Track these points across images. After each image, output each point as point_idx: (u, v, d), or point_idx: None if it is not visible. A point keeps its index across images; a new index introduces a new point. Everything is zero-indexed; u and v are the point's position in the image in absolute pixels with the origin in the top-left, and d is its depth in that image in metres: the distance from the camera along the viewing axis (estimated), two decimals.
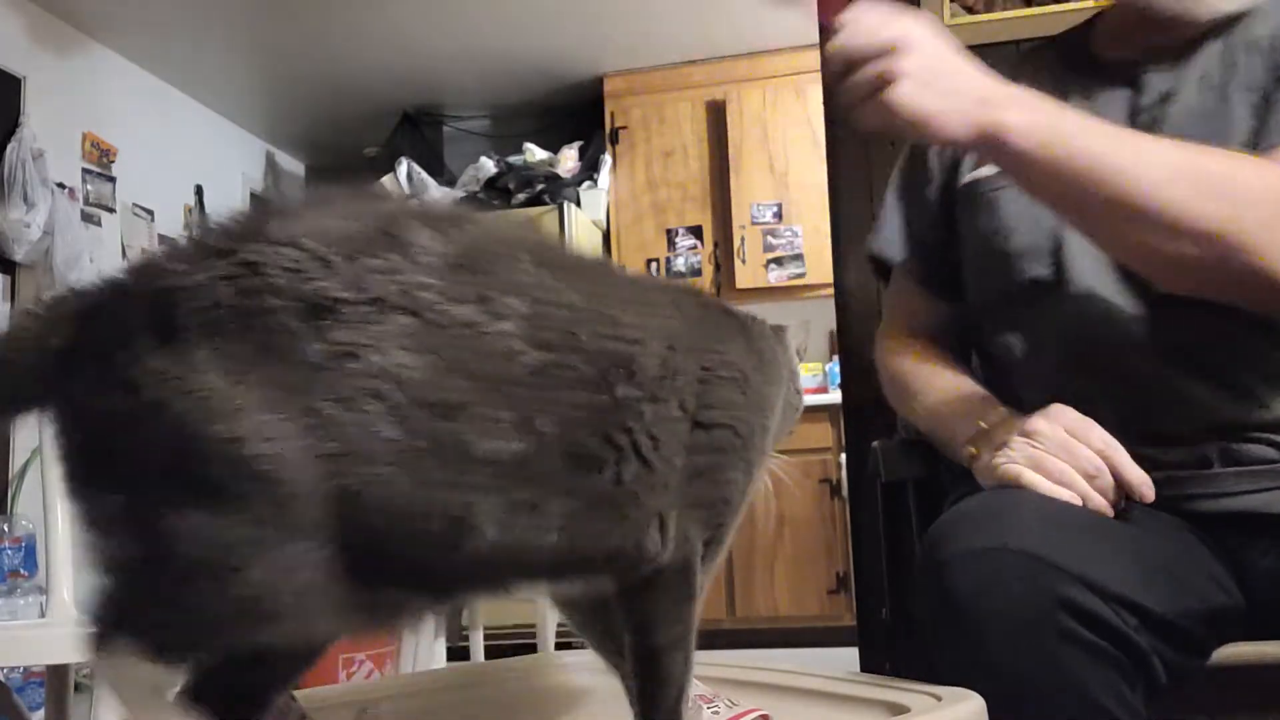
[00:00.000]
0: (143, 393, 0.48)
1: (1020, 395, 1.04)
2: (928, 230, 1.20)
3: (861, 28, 0.87)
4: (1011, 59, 1.18)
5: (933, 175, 1.19)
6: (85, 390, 0.50)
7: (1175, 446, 0.96)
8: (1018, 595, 0.77)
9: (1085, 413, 0.93)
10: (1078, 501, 0.87)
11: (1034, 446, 0.91)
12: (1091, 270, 1.00)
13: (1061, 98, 0.97)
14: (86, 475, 0.51)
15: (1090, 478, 0.88)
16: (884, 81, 0.85)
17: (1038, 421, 0.93)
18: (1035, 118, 0.88)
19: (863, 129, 0.90)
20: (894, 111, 0.86)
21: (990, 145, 0.88)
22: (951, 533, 0.85)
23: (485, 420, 0.51)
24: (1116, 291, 0.99)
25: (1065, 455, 0.89)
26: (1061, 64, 1.13)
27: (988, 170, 1.08)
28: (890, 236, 1.23)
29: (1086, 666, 0.76)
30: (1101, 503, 0.88)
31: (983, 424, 0.99)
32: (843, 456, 3.59)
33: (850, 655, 1.80)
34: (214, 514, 0.47)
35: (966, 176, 1.13)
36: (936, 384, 1.11)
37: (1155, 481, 0.90)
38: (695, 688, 0.76)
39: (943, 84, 0.86)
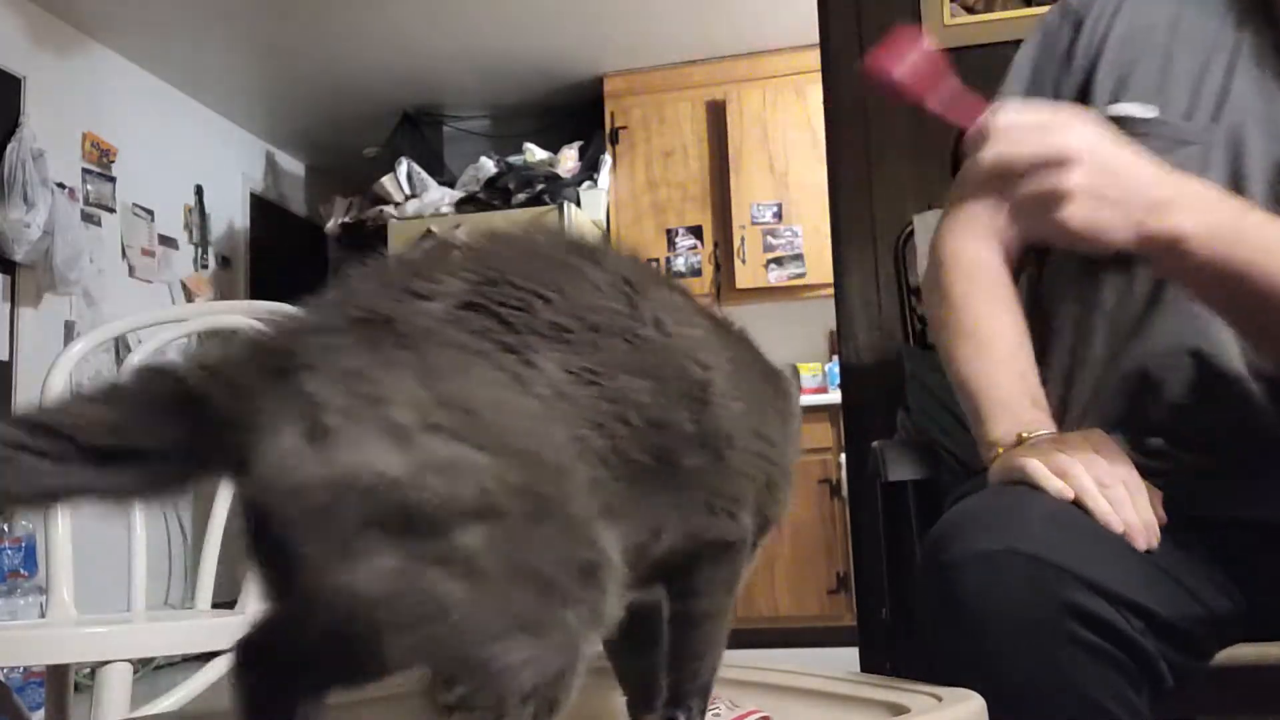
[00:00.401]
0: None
1: (1062, 355, 1.01)
2: None
3: (1021, 136, 0.80)
4: None
5: (1073, 82, 1.07)
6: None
7: (1202, 453, 0.93)
8: (1024, 599, 0.77)
9: (1125, 394, 0.92)
10: (1068, 495, 0.84)
11: (1054, 448, 0.88)
12: None
13: (1233, 51, 0.93)
14: None
15: (1102, 486, 0.84)
16: (1054, 199, 0.79)
17: (1070, 434, 0.90)
18: (1210, 219, 0.82)
19: (1026, 238, 0.85)
20: (1065, 230, 0.80)
21: (1164, 253, 0.83)
22: (956, 533, 0.84)
23: (682, 434, 0.55)
24: None
25: (1082, 460, 0.86)
26: (1241, 11, 1.02)
27: (1135, 109, 0.99)
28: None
29: (1092, 670, 0.76)
30: (1105, 508, 0.83)
31: (1024, 435, 0.94)
32: (843, 456, 3.60)
33: (850, 655, 1.80)
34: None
35: (1110, 108, 1.01)
36: (999, 346, 1.02)
37: (1159, 485, 0.89)
38: None
39: (1113, 193, 0.80)
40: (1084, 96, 1.05)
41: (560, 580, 0.46)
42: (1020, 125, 0.80)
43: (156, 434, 0.46)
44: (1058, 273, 1.07)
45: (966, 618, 0.79)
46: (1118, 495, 0.85)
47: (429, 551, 0.44)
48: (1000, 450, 0.94)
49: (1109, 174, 0.80)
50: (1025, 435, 0.93)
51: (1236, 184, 0.95)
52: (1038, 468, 0.87)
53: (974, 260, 1.07)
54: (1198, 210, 0.82)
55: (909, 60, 0.80)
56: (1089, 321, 1.02)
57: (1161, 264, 0.87)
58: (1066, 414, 1.01)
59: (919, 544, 1.18)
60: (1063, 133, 0.80)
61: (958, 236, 1.08)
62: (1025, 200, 0.81)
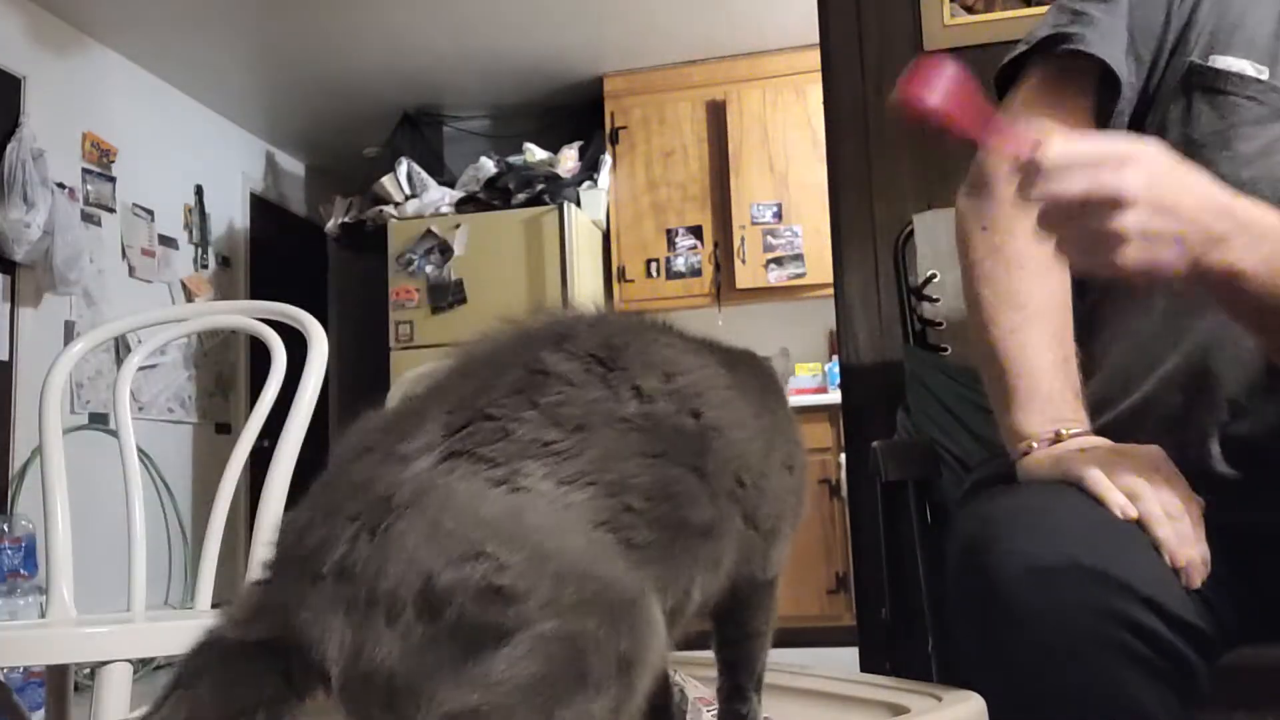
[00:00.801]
0: None
1: (1115, 353, 0.97)
2: (1142, 78, 0.99)
3: (1074, 173, 0.73)
4: None
5: (1177, 14, 0.98)
6: None
7: (1220, 492, 0.89)
8: (1084, 612, 0.75)
9: (1176, 398, 0.89)
10: (1133, 515, 0.80)
11: (1114, 460, 0.84)
12: None
13: None
14: None
15: (1171, 518, 0.80)
16: (1107, 241, 0.74)
17: (1131, 446, 0.85)
18: (1264, 250, 0.77)
19: (1075, 270, 0.82)
20: (1119, 270, 0.75)
21: (1220, 287, 0.79)
22: (1004, 535, 0.80)
23: (690, 492, 0.57)
24: None
25: (1145, 477, 0.82)
26: None
27: (1247, 66, 0.91)
28: (1115, 41, 0.98)
29: (1148, 687, 0.75)
30: (1172, 537, 0.79)
31: (1063, 432, 0.89)
32: (843, 456, 3.59)
33: (850, 655, 1.80)
34: None
35: (1213, 59, 0.93)
36: (1041, 324, 0.95)
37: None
38: (696, 690, 0.76)
39: (1170, 230, 0.74)
40: (1183, 35, 0.96)
41: (595, 671, 0.49)
42: (1073, 160, 0.74)
43: (255, 696, 0.49)
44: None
45: (1021, 632, 0.76)
46: (1184, 530, 0.80)
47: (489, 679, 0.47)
48: (1034, 446, 0.89)
49: (1166, 212, 0.74)
50: (1064, 433, 0.89)
51: None
52: (1101, 480, 0.82)
53: (1029, 263, 0.99)
54: (1256, 243, 0.77)
55: (941, 87, 0.75)
56: (1142, 322, 0.97)
57: (1217, 296, 0.83)
58: (1107, 410, 0.96)
59: (919, 543, 1.18)
60: (1118, 169, 0.73)
61: (1011, 221, 0.98)
62: (1076, 239, 0.76)
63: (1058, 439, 0.89)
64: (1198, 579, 0.79)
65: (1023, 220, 0.90)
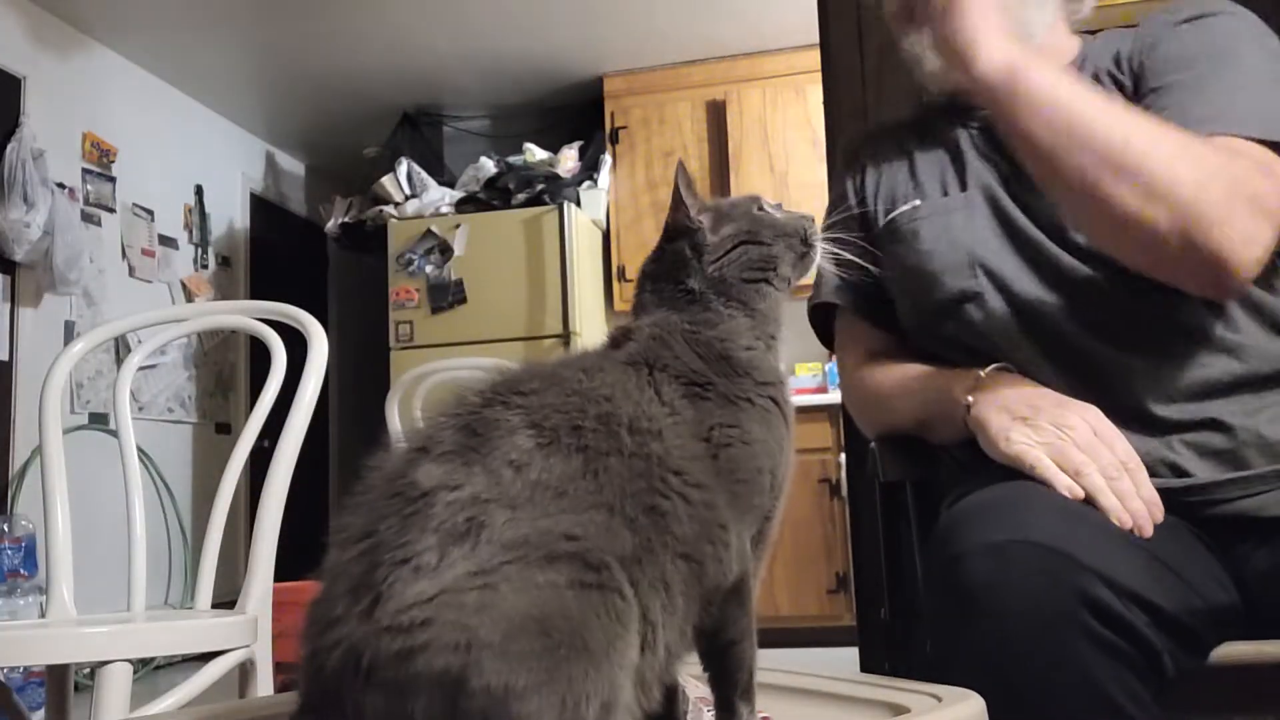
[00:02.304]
0: None
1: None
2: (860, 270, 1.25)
3: None
4: (914, 117, 1.33)
5: (852, 225, 1.25)
6: None
7: (1129, 430, 0.97)
8: (1037, 589, 0.78)
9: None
10: (1079, 495, 0.88)
11: (1060, 437, 0.92)
12: (1012, 274, 1.08)
13: (957, 140, 1.18)
14: None
15: (1109, 480, 0.89)
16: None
17: (1070, 415, 0.94)
18: (1049, 78, 0.97)
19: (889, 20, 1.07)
20: (952, 26, 1.01)
21: (1007, 87, 0.97)
22: (966, 525, 0.85)
23: (661, 523, 0.60)
24: (1035, 286, 1.06)
25: (1089, 453, 0.91)
26: (953, 116, 1.23)
27: (904, 206, 1.20)
28: (830, 287, 1.29)
29: (1102, 662, 0.76)
30: (1115, 504, 0.88)
31: (981, 374, 1.03)
32: (842, 456, 3.60)
33: (850, 655, 1.80)
34: None
35: (888, 218, 1.21)
36: (912, 371, 1.15)
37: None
38: (695, 690, 0.76)
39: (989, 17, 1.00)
40: (870, 220, 1.25)
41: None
42: None
43: None
44: (927, 347, 1.20)
45: (977, 607, 0.80)
46: (1124, 487, 0.89)
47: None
48: (967, 398, 1.01)
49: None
50: (983, 374, 1.03)
51: (1006, 228, 1.10)
52: (1047, 465, 0.90)
53: (863, 373, 1.24)
54: (1043, 67, 0.98)
55: None
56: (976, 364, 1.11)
57: (998, 98, 1.00)
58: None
59: (918, 543, 1.18)
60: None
61: (848, 376, 1.28)
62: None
63: (979, 383, 1.02)
64: (1148, 527, 0.87)
65: (865, 379, 1.23)
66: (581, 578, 0.55)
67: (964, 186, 1.16)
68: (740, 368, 0.70)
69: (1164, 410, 0.98)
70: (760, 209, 0.78)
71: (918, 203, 1.19)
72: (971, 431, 1.01)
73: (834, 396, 3.84)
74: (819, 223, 0.82)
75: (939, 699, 0.72)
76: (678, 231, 0.75)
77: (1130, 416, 0.98)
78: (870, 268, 1.11)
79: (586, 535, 0.57)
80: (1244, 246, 0.90)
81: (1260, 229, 0.91)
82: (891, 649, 1.34)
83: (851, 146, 1.36)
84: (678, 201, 0.75)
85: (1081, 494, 0.88)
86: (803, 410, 3.93)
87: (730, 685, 0.69)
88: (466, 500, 0.56)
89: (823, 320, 1.35)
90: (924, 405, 1.11)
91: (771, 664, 0.76)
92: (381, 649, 0.52)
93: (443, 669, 0.51)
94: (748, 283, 0.74)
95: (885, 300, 1.24)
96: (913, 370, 1.15)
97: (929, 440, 1.15)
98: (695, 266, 0.74)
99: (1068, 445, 0.92)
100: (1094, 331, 1.03)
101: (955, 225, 1.13)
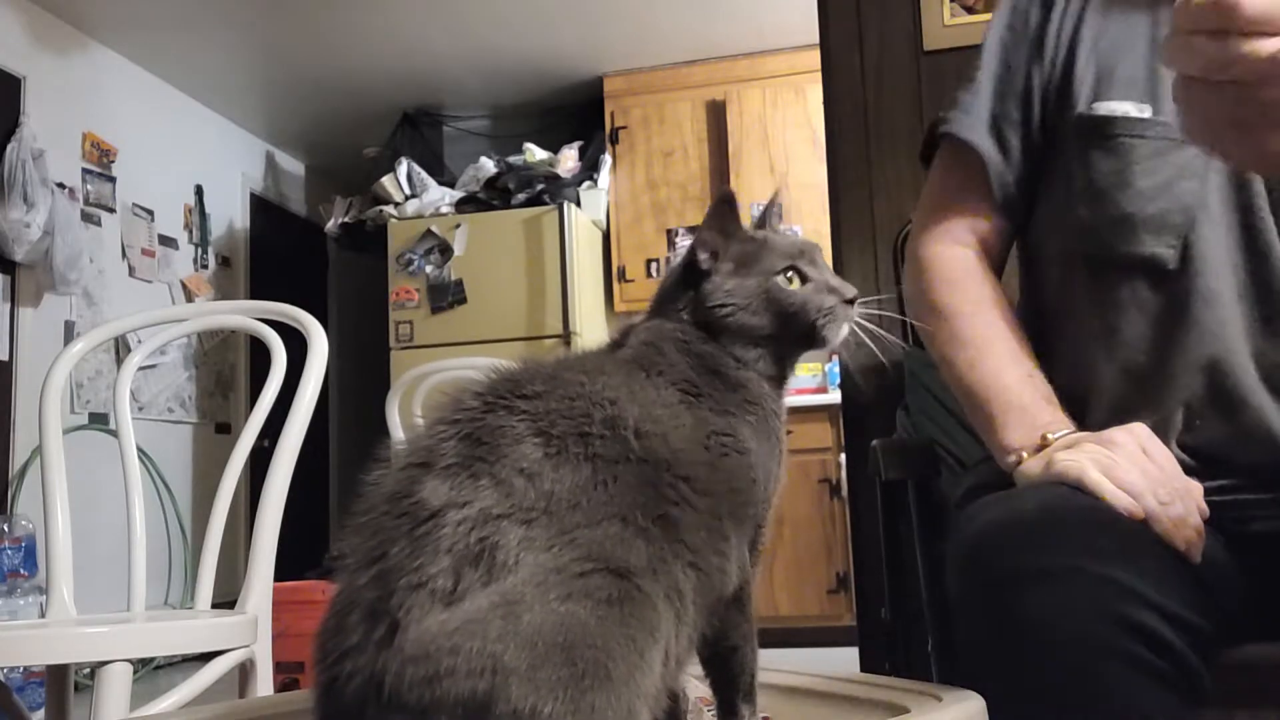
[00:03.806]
0: None
1: (1061, 364, 0.98)
2: (1018, 131, 1.04)
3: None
4: None
5: (1046, 59, 1.02)
6: None
7: (1215, 470, 0.91)
8: (1090, 622, 0.74)
9: (1129, 414, 0.89)
10: (1139, 514, 0.81)
11: (1106, 454, 0.84)
12: (1217, 266, 0.91)
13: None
14: None
15: (1162, 504, 0.81)
16: (1258, 116, 0.63)
17: (1115, 432, 0.86)
18: None
19: (1207, 149, 0.69)
20: (1250, 158, 0.69)
21: None
22: (1009, 543, 0.80)
23: (667, 524, 0.60)
24: (1240, 297, 0.91)
25: (1140, 469, 0.83)
26: None
27: (1129, 108, 0.94)
28: (977, 121, 1.04)
29: (1153, 692, 0.74)
30: (1171, 529, 0.81)
31: (1049, 436, 0.90)
32: (842, 456, 3.59)
33: (850, 655, 1.80)
34: None
35: (1096, 106, 0.96)
36: (996, 349, 0.98)
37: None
38: (695, 690, 0.76)
39: None
40: (1064, 88, 1.00)
41: None
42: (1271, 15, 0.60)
43: None
44: (1063, 285, 1.03)
45: (1023, 635, 0.76)
46: (1177, 512, 0.81)
47: None
48: (1024, 455, 0.91)
49: None
50: (1050, 437, 0.90)
51: (1239, 189, 0.93)
52: (1098, 479, 0.82)
53: (953, 265, 1.04)
54: None
55: None
56: (1109, 335, 0.97)
57: None
58: (1084, 423, 0.97)
59: (919, 543, 1.18)
60: None
61: (933, 241, 1.05)
62: (1221, 110, 0.64)
63: (1044, 444, 0.90)
64: (1197, 554, 0.81)
65: (951, 273, 1.01)
66: (608, 594, 0.54)
67: None
68: (730, 384, 0.70)
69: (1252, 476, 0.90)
70: (789, 274, 0.72)
71: (1148, 111, 0.94)
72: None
73: (834, 396, 3.83)
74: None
75: (939, 699, 0.72)
76: (686, 264, 0.74)
77: (1209, 465, 0.88)
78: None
79: (604, 550, 0.56)
80: None
81: None
82: (891, 649, 1.34)
83: None
84: (700, 232, 0.73)
85: (1141, 514, 0.81)
86: (803, 410, 3.93)
87: (733, 688, 0.69)
88: (477, 518, 0.54)
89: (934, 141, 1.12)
90: (973, 403, 0.98)
91: (771, 664, 0.76)
92: (405, 676, 0.51)
93: (469, 693, 0.51)
94: (735, 341, 0.71)
95: (1028, 188, 1.04)
96: (997, 348, 0.98)
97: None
98: (690, 300, 0.72)
99: (1116, 463, 0.83)
100: (1265, 374, 0.89)
101: (1189, 169, 0.91)
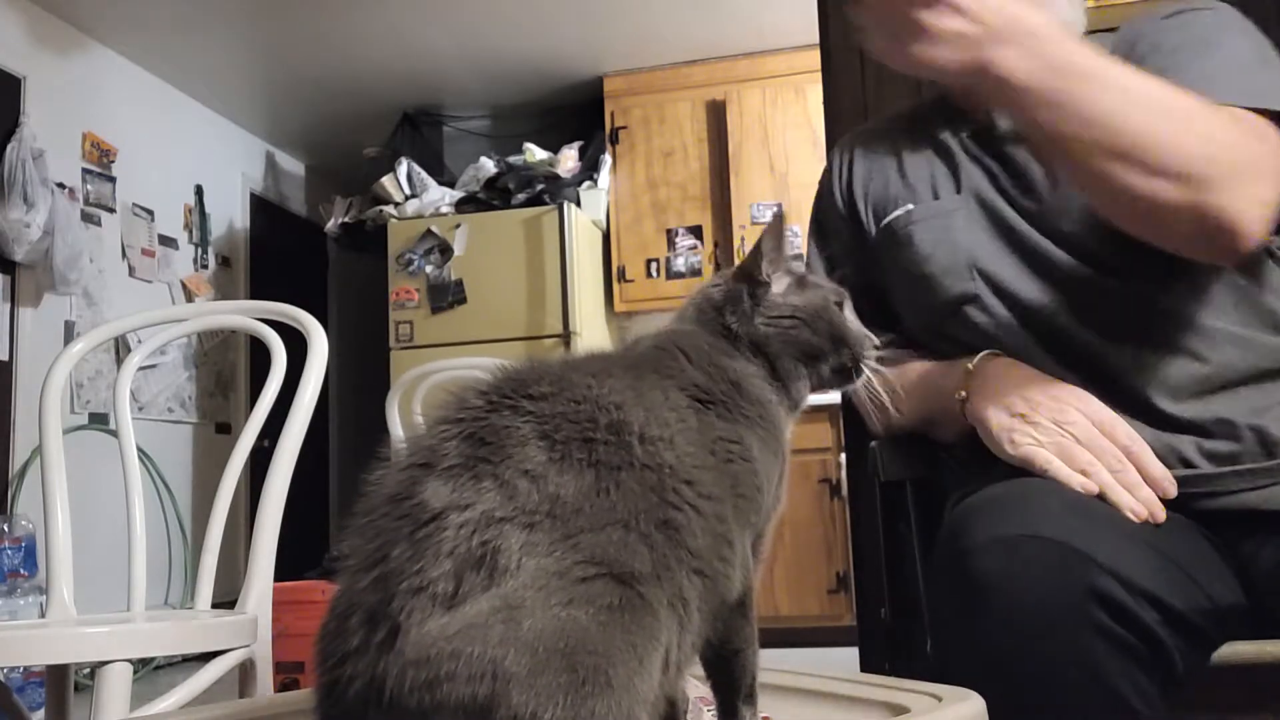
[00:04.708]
0: None
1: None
2: (854, 270, 1.23)
3: None
4: (903, 118, 1.30)
5: (843, 224, 1.26)
6: None
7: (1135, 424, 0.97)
8: (1049, 584, 0.78)
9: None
10: (1094, 490, 0.89)
11: (1062, 434, 0.93)
12: (1010, 276, 1.07)
13: (947, 144, 1.14)
14: None
15: (1114, 472, 0.91)
16: (912, 31, 0.92)
17: (1067, 409, 0.95)
18: (1034, 64, 0.91)
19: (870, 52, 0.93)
20: (910, 61, 0.93)
21: (988, 82, 0.93)
22: (975, 520, 0.85)
23: (669, 535, 0.59)
24: (1033, 287, 1.06)
25: (1092, 447, 0.92)
26: (940, 119, 1.21)
27: (898, 210, 1.18)
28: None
29: (1113, 659, 0.76)
30: (1126, 499, 0.89)
31: (969, 365, 1.04)
32: (843, 456, 3.59)
33: (850, 655, 1.79)
34: None
35: (882, 223, 1.21)
36: (910, 371, 1.15)
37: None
38: (695, 689, 0.76)
39: (965, 30, 0.91)
40: (857, 230, 1.24)
41: None
42: None
43: None
44: (931, 346, 1.19)
45: (985, 602, 0.79)
46: (1130, 478, 0.90)
47: None
48: (960, 392, 1.03)
49: (962, 14, 0.91)
50: (970, 366, 1.03)
51: (1001, 229, 1.09)
52: (1059, 466, 0.91)
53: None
54: (1023, 47, 0.91)
55: None
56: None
57: (986, 91, 0.97)
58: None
59: (918, 543, 1.18)
60: None
61: None
62: (886, 25, 0.94)
63: (969, 375, 1.03)
64: (1160, 513, 0.89)
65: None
66: (610, 600, 0.54)
67: (958, 189, 1.16)
68: (749, 398, 0.71)
69: (1170, 406, 0.98)
70: (840, 305, 0.78)
71: (910, 206, 1.18)
72: (973, 425, 1.02)
73: (834, 396, 3.83)
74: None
75: (939, 699, 0.72)
76: (746, 275, 0.76)
77: (1137, 411, 0.98)
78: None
79: (607, 555, 0.55)
80: (1250, 208, 0.91)
81: (1264, 191, 0.92)
82: (891, 649, 1.34)
83: (840, 145, 1.35)
84: (756, 250, 0.75)
85: (1095, 489, 0.89)
86: (804, 410, 3.91)
87: (734, 691, 0.69)
88: (479, 520, 0.54)
89: None
90: (924, 403, 1.11)
91: (771, 664, 0.76)
92: (406, 680, 0.51)
93: (469, 698, 0.51)
94: (783, 355, 0.74)
95: (879, 298, 1.24)
96: (911, 370, 1.15)
97: (939, 439, 1.15)
98: (746, 312, 0.74)
99: (1070, 442, 0.93)
100: (1096, 329, 1.03)
101: (952, 228, 1.13)
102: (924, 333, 1.19)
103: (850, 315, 0.78)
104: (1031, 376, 1.01)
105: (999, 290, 1.08)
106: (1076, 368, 1.03)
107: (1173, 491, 0.91)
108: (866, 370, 0.77)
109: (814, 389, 0.77)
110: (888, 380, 0.79)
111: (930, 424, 1.14)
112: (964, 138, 1.18)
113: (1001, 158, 1.13)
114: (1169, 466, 0.95)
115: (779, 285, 0.75)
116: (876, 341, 0.78)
